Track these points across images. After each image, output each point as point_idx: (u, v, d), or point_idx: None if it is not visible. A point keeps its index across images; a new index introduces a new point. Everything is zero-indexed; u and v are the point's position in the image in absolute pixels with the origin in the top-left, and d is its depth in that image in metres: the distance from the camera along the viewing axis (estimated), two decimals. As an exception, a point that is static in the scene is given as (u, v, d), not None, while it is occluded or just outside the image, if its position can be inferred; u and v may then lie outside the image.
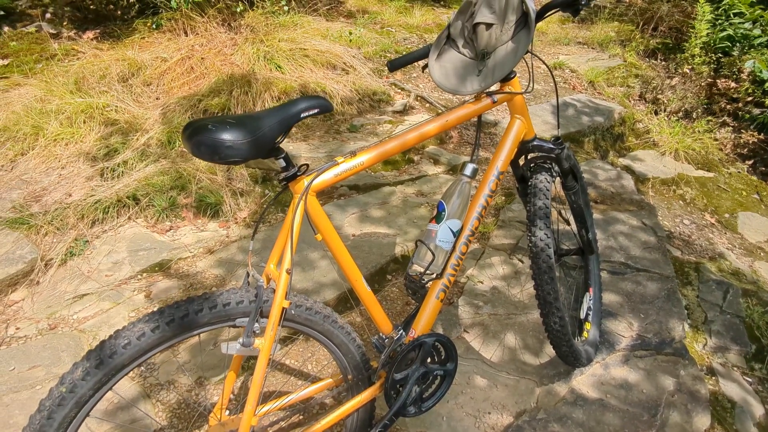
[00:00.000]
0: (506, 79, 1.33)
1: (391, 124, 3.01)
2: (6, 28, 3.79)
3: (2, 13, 3.72)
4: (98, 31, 3.88)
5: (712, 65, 4.26)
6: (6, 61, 3.55)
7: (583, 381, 1.72)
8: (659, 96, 4.01)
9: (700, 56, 4.19)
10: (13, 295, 2.03)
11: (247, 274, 1.09)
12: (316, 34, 3.47)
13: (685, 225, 2.92)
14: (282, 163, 1.02)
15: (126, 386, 1.64)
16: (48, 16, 3.96)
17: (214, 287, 2.04)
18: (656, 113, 3.90)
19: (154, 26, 3.64)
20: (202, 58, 3.28)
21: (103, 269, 2.12)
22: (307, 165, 1.07)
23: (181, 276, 2.09)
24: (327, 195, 2.56)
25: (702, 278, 2.34)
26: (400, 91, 3.39)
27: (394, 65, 1.40)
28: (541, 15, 1.30)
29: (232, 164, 0.92)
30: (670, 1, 4.88)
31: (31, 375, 1.67)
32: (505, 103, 1.40)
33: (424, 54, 1.37)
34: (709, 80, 4.23)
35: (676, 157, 3.49)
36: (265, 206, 2.10)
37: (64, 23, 3.92)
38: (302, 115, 1.00)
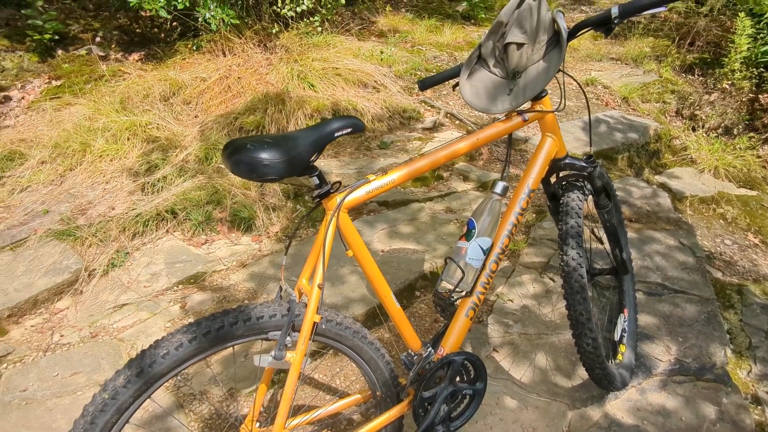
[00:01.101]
0: (537, 98, 1.33)
1: (421, 140, 3.03)
2: (60, 52, 4.03)
3: (57, 37, 3.96)
4: (143, 53, 4.08)
5: (753, 80, 4.13)
6: (59, 82, 3.77)
7: (618, 406, 1.67)
8: (697, 112, 3.90)
9: (741, 71, 4.07)
10: (59, 304, 2.13)
11: (280, 288, 1.12)
12: (348, 53, 3.55)
13: (726, 245, 2.81)
14: (316, 180, 1.05)
15: (161, 396, 1.69)
16: (98, 39, 4.20)
17: (246, 300, 2.08)
18: (694, 129, 3.80)
19: (194, 48, 3.81)
20: (238, 78, 3.40)
21: (142, 280, 2.20)
22: (340, 182, 1.10)
23: (214, 289, 2.15)
24: (357, 211, 2.59)
25: (745, 301, 2.24)
26: (429, 108, 3.42)
27: (425, 84, 1.43)
28: (573, 34, 1.30)
29: (269, 182, 0.96)
30: (708, 15, 4.77)
31: (72, 381, 1.74)
32: (536, 121, 1.40)
33: (454, 73, 1.39)
34: (751, 95, 4.09)
35: (715, 175, 3.38)
36: (298, 222, 2.14)
37: (112, 46, 4.15)
38: (336, 135, 1.03)
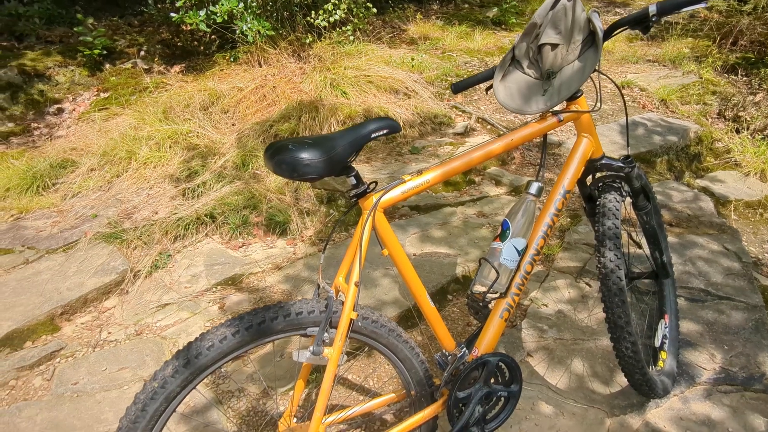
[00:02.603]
0: (572, 98, 1.33)
1: (452, 145, 3.04)
2: (107, 66, 4.25)
3: (105, 52, 4.19)
4: (184, 65, 4.25)
5: (802, 79, 3.95)
6: (107, 94, 3.98)
7: (660, 414, 1.62)
8: (741, 113, 3.76)
9: (789, 70, 3.90)
10: (107, 303, 2.23)
11: (318, 286, 1.15)
12: (379, 61, 3.60)
13: (774, 251, 2.69)
14: (353, 180, 1.08)
15: (201, 391, 1.75)
16: (142, 53, 4.40)
17: (280, 302, 2.13)
18: (738, 131, 3.66)
19: (231, 59, 3.95)
20: (273, 87, 3.50)
21: (183, 281, 2.29)
22: (376, 183, 1.12)
23: (251, 290, 2.21)
24: (388, 215, 2.62)
25: (796, 309, 2.14)
26: (461, 113, 3.43)
27: (458, 87, 1.45)
28: (609, 33, 1.29)
29: (310, 181, 0.99)
30: (752, 13, 4.60)
31: (119, 376, 1.82)
32: (572, 123, 1.39)
33: (487, 76, 1.40)
34: (800, 96, 3.91)
35: (762, 178, 3.24)
36: (335, 221, 2.19)
37: (155, 59, 4.35)
38: (373, 136, 1.06)
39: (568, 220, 2.59)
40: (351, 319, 1.08)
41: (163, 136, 3.13)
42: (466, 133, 3.19)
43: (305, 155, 0.96)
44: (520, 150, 3.09)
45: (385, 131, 1.07)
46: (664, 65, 4.46)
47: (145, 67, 4.18)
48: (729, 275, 2.21)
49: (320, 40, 3.88)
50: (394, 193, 1.13)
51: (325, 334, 1.07)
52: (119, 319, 2.14)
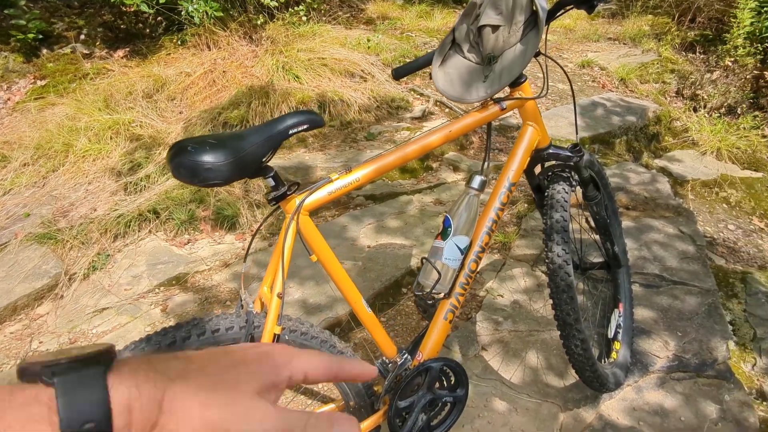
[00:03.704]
0: (516, 84, 1.24)
1: (410, 130, 2.94)
2: (44, 51, 3.96)
3: (41, 36, 3.89)
4: (127, 49, 4.00)
5: (758, 56, 3.98)
6: (44, 82, 3.70)
7: (613, 406, 1.60)
8: (698, 91, 3.77)
9: (744, 47, 3.93)
10: (39, 309, 2.08)
11: (240, 298, 1.05)
12: (334, 42, 3.45)
13: (729, 230, 2.71)
14: (271, 182, 0.98)
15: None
16: (82, 37, 4.11)
17: (228, 301, 2.02)
18: (695, 110, 3.68)
19: (179, 42, 3.72)
20: (224, 72, 3.31)
21: (123, 283, 2.15)
22: (298, 183, 1.02)
23: (197, 290, 2.09)
24: (343, 205, 2.52)
25: (749, 290, 2.15)
26: (419, 96, 3.32)
27: (399, 73, 1.34)
28: (553, 14, 1.21)
29: (215, 186, 0.88)
30: (710, -10, 4.61)
31: (49, 391, 1.69)
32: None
33: (430, 60, 1.30)
34: (756, 72, 3.95)
35: (718, 157, 3.26)
36: (257, 228, 2.07)
37: (97, 43, 4.07)
38: (290, 132, 0.95)
39: (525, 206, 2.54)
40: (275, 334, 0.99)
41: (103, 126, 2.93)
42: (424, 117, 3.09)
43: (207, 158, 0.84)
44: (479, 134, 3.01)
45: (305, 126, 0.96)
46: (624, 43, 4.44)
47: (86, 52, 3.91)
48: (684, 259, 2.20)
49: (273, 21, 3.69)
50: (320, 194, 1.02)
51: (247, 352, 0.98)
52: (52, 326, 1.99)
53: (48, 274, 2.13)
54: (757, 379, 1.78)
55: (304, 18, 3.68)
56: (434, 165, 2.78)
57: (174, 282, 2.15)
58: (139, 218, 2.41)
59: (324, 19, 3.95)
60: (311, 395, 1.67)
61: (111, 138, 2.93)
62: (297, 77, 3.10)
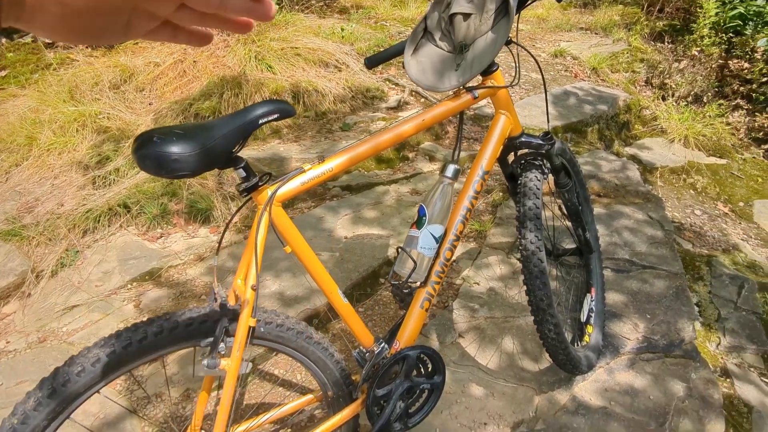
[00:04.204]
0: (487, 73, 1.25)
1: (385, 121, 2.93)
2: (3, 40, 3.79)
3: (-3, 23, 3.72)
4: (92, 37, 3.86)
5: (723, 46, 4.10)
6: (3, 73, 3.55)
7: (586, 387, 1.64)
8: (667, 81, 3.86)
9: (710, 37, 4.03)
10: (5, 308, 2.01)
11: (213, 291, 1.03)
12: (308, 31, 3.40)
13: (696, 216, 2.80)
14: (242, 173, 0.96)
15: (114, 399, 1.61)
16: (43, 24, 3.95)
17: (203, 296, 1.99)
18: (664, 99, 3.77)
19: (146, 30, 3.61)
20: (194, 61, 3.23)
21: (94, 279, 2.09)
22: (270, 174, 1.00)
23: (171, 285, 2.05)
24: (319, 197, 2.50)
25: (714, 272, 2.23)
26: (394, 86, 3.31)
27: (371, 62, 1.33)
28: (523, 2, 1.22)
29: (182, 177, 0.86)
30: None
31: (18, 390, 1.64)
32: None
33: (402, 48, 1.30)
34: (720, 62, 4.07)
35: (685, 144, 3.36)
36: (228, 220, 2.04)
37: (59, 31, 3.91)
38: (261, 122, 0.93)
39: (500, 195, 2.57)
40: (250, 327, 0.98)
41: (68, 118, 2.83)
42: (400, 107, 3.08)
43: (173, 149, 0.82)
44: (454, 123, 3.03)
45: (275, 116, 0.94)
46: (596, 33, 4.50)
47: (48, 41, 3.75)
48: (653, 244, 2.26)
49: (244, 9, 3.61)
50: (293, 185, 1.01)
51: (222, 345, 0.97)
52: (19, 325, 1.93)
53: (14, 271, 2.06)
54: (721, 358, 1.85)
55: (278, 6, 3.61)
56: (410, 155, 2.78)
57: (147, 277, 2.10)
58: (108, 213, 2.34)
59: (297, 7, 3.89)
60: (288, 387, 1.66)
61: (77, 131, 2.83)
62: (270, 67, 3.04)
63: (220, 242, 1.02)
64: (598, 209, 2.48)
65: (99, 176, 2.55)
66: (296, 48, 3.17)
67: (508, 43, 1.25)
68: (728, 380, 1.76)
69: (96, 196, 2.45)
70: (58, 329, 1.90)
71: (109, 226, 2.34)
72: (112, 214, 2.36)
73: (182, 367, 1.72)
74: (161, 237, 2.32)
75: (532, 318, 1.39)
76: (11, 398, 1.61)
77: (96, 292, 2.04)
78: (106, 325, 1.90)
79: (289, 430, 1.51)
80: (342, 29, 3.58)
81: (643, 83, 3.90)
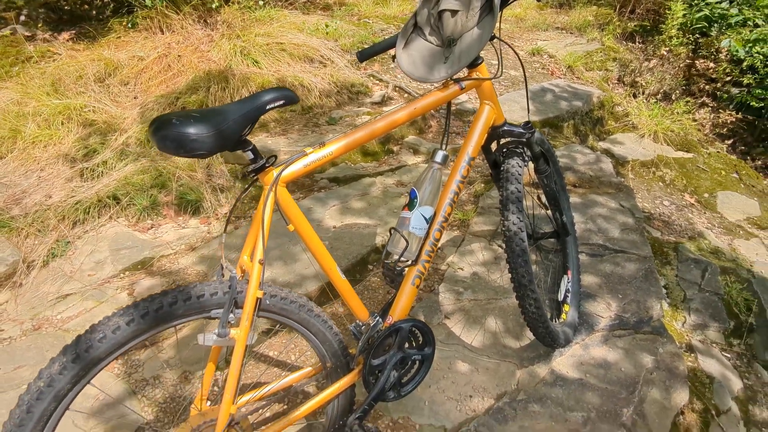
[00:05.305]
0: (473, 66, 1.35)
1: (370, 115, 3.01)
2: (-21, 31, 3.73)
3: (-26, 15, 3.66)
4: (73, 32, 3.83)
5: (690, 46, 4.31)
6: (-19, 65, 3.50)
7: (563, 362, 1.76)
8: (637, 79, 4.05)
9: (678, 38, 4.24)
10: (-3, 299, 2.03)
11: (221, 267, 1.11)
12: (292, 27, 3.45)
13: (665, 206, 2.97)
14: (250, 155, 1.03)
15: (112, 383, 1.65)
16: (22, 18, 3.90)
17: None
18: (635, 96, 3.95)
19: (129, 25, 3.61)
20: (179, 56, 3.25)
21: (86, 269, 2.12)
22: (275, 156, 1.08)
23: (163, 273, 2.10)
24: (307, 188, 2.57)
25: (681, 258, 2.39)
26: (378, 82, 3.40)
27: (363, 55, 1.41)
28: (506, 0, 1.31)
29: (199, 157, 0.93)
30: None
31: (16, 375, 1.67)
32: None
33: (392, 43, 1.38)
34: (688, 61, 4.28)
35: (655, 139, 3.54)
36: (236, 199, 2.11)
37: (39, 25, 3.87)
38: (268, 107, 1.01)
39: (482, 185, 2.68)
40: (257, 298, 1.05)
41: (52, 111, 2.83)
42: (384, 102, 3.17)
43: (192, 129, 0.89)
44: (437, 118, 3.13)
45: (281, 102, 1.02)
46: (571, 32, 4.67)
47: (27, 34, 3.72)
48: (624, 230, 2.41)
49: (228, 5, 3.64)
50: (296, 167, 1.09)
51: (231, 315, 1.04)
52: (13, 314, 1.95)
53: (4, 261, 2.07)
54: (687, 335, 2.00)
55: (261, 2, 3.66)
56: (395, 148, 2.88)
57: (139, 266, 2.14)
58: (98, 204, 2.37)
59: (281, 3, 3.94)
60: (283, 367, 1.73)
61: (62, 123, 2.83)
62: (256, 62, 3.09)
63: (228, 219, 1.09)
64: (574, 198, 2.62)
65: (87, 168, 2.57)
66: (281, 43, 3.23)
67: (492, 38, 1.34)
68: (692, 355, 1.91)
69: (84, 188, 2.47)
70: (53, 317, 1.93)
71: (99, 217, 2.36)
72: (101, 205, 2.38)
73: (178, 351, 1.78)
74: (152, 228, 2.35)
75: (515, 294, 1.49)
76: (9, 383, 1.65)
77: (89, 281, 2.07)
78: (101, 312, 1.93)
79: (289, 402, 1.59)
80: (326, 26, 3.65)
81: (616, 81, 4.08)
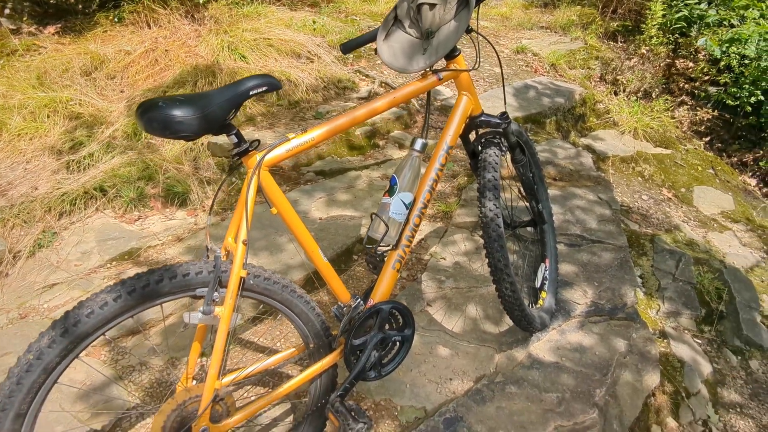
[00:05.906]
0: (451, 57, 1.40)
1: (358, 110, 3.06)
2: (-37, 24, 3.70)
3: (-42, 8, 3.64)
4: (59, 25, 3.82)
5: (669, 46, 4.42)
6: (-35, 58, 3.48)
7: (540, 346, 1.82)
8: (619, 77, 4.15)
9: (658, 37, 4.34)
10: (-18, 289, 2.03)
11: (207, 248, 1.15)
12: (280, 23, 3.49)
13: (643, 200, 3.06)
14: (234, 139, 1.08)
15: (99, 369, 1.68)
16: (7, 11, 3.88)
17: (184, 273, 2.07)
18: (616, 94, 4.04)
19: (115, 19, 3.61)
20: (166, 50, 3.27)
21: (72, 259, 2.14)
22: (259, 141, 1.12)
23: (150, 263, 2.12)
24: (294, 181, 2.61)
25: (656, 249, 2.47)
26: (364, 77, 3.44)
27: (347, 47, 1.46)
28: (482, -5, 1.37)
29: (184, 139, 0.97)
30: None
31: (3, 362, 1.69)
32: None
33: (375, 36, 1.43)
34: (668, 61, 4.38)
35: (635, 136, 3.63)
36: (221, 182, 2.14)
37: (24, 18, 3.85)
38: (251, 93, 1.05)
39: (465, 179, 2.74)
40: (241, 278, 1.09)
41: (38, 104, 2.83)
42: (370, 97, 3.22)
43: (177, 112, 0.93)
44: (422, 114, 3.18)
45: (264, 88, 1.06)
46: (555, 31, 4.76)
47: (12, 27, 3.70)
48: (602, 221, 2.48)
49: (215, 1, 3.66)
50: (279, 151, 1.13)
51: (216, 294, 1.08)
52: (-1, 303, 1.96)
53: (-10, 252, 2.08)
54: (660, 322, 2.08)
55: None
56: (381, 143, 2.93)
57: (126, 257, 2.16)
58: (84, 196, 2.38)
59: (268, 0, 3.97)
60: (271, 340, 1.77)
61: (48, 116, 2.83)
62: (243, 57, 3.12)
63: (213, 201, 1.13)
64: (554, 191, 2.69)
65: (73, 161, 2.58)
66: (269, 39, 3.26)
67: (469, 31, 1.40)
68: (665, 341, 1.98)
69: (71, 180, 2.48)
70: (39, 306, 1.95)
71: (85, 209, 2.38)
72: (88, 197, 2.40)
73: (165, 338, 1.81)
74: (139, 219, 2.38)
75: (492, 279, 1.55)
76: (-4, 369, 1.66)
77: (75, 271, 2.09)
78: (88, 301, 1.95)
79: (272, 382, 1.63)
80: (314, 22, 3.68)
81: (598, 79, 4.18)
